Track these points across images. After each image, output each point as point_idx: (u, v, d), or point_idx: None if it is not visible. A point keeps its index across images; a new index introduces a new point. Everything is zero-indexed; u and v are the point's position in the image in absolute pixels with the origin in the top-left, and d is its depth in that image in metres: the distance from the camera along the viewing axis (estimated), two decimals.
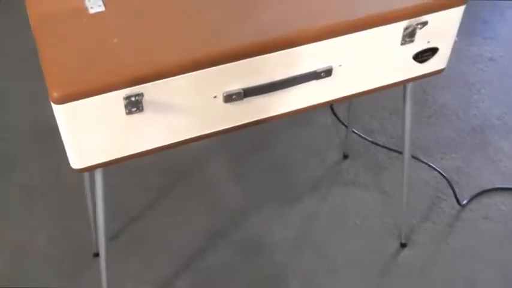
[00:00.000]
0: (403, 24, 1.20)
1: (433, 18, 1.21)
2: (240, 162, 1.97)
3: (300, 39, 1.14)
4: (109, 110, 1.07)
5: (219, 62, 1.10)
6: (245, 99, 1.17)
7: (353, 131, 1.95)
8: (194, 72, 1.09)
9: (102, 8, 1.16)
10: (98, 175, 1.23)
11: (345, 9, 1.19)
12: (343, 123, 1.98)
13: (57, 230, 1.78)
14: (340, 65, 1.21)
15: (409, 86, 1.40)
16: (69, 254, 1.73)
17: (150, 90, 1.08)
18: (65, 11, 1.15)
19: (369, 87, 1.30)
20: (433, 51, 1.29)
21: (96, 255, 1.71)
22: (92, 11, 1.15)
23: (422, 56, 1.28)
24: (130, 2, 1.19)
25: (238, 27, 1.15)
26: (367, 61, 1.24)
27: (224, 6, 1.19)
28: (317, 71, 1.20)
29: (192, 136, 1.19)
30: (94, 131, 1.09)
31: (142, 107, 1.09)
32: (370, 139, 1.95)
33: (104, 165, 1.18)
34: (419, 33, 1.23)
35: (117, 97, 1.06)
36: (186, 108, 1.14)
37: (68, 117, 1.05)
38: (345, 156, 1.98)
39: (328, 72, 1.21)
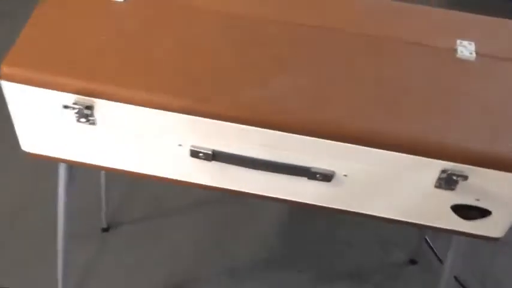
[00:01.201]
0: (439, 164, 0.89)
1: (481, 175, 0.88)
2: (299, 220, 1.74)
3: (292, 125, 0.90)
4: (57, 109, 0.94)
5: (186, 111, 0.91)
6: (215, 163, 0.97)
7: (425, 240, 1.61)
8: (157, 110, 0.92)
9: None
10: (61, 169, 1.12)
11: (364, 113, 0.91)
12: None
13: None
14: (345, 175, 0.95)
15: (454, 238, 1.07)
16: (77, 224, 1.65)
17: (104, 107, 0.93)
18: None
19: (383, 215, 1.00)
20: (482, 212, 0.95)
21: (105, 230, 1.64)
22: None
23: (465, 212, 0.96)
24: (160, 9, 1.03)
25: (231, 85, 0.94)
26: (385, 184, 0.95)
27: (236, 55, 0.99)
28: (312, 170, 0.94)
29: (148, 173, 1.02)
30: (41, 122, 0.98)
31: (93, 120, 0.95)
32: (440, 257, 1.59)
33: (57, 161, 1.07)
34: (463, 185, 0.91)
35: (66, 99, 0.93)
36: (145, 143, 0.97)
37: (13, 97, 0.95)
38: (412, 262, 1.64)
39: (326, 177, 0.95)
